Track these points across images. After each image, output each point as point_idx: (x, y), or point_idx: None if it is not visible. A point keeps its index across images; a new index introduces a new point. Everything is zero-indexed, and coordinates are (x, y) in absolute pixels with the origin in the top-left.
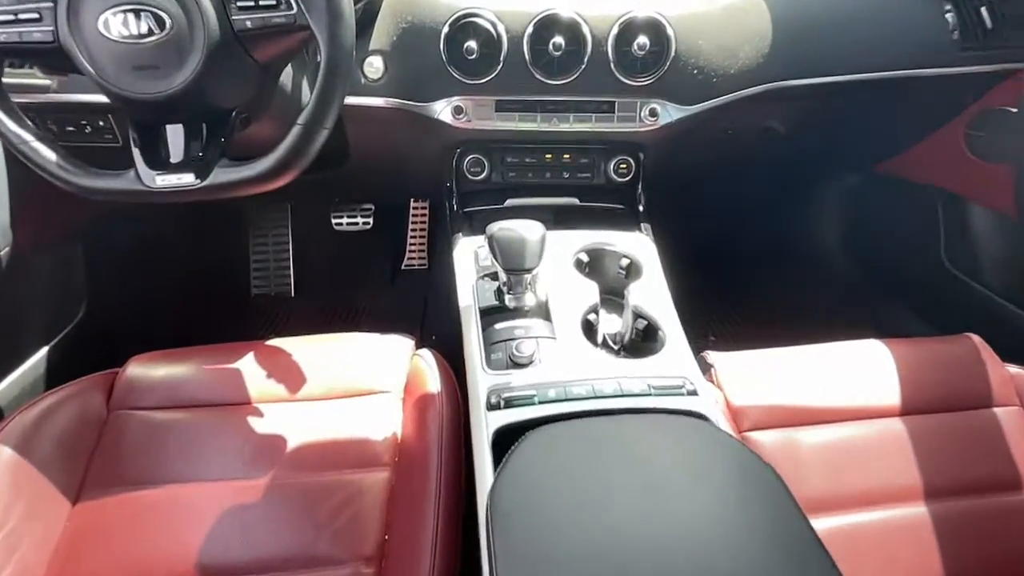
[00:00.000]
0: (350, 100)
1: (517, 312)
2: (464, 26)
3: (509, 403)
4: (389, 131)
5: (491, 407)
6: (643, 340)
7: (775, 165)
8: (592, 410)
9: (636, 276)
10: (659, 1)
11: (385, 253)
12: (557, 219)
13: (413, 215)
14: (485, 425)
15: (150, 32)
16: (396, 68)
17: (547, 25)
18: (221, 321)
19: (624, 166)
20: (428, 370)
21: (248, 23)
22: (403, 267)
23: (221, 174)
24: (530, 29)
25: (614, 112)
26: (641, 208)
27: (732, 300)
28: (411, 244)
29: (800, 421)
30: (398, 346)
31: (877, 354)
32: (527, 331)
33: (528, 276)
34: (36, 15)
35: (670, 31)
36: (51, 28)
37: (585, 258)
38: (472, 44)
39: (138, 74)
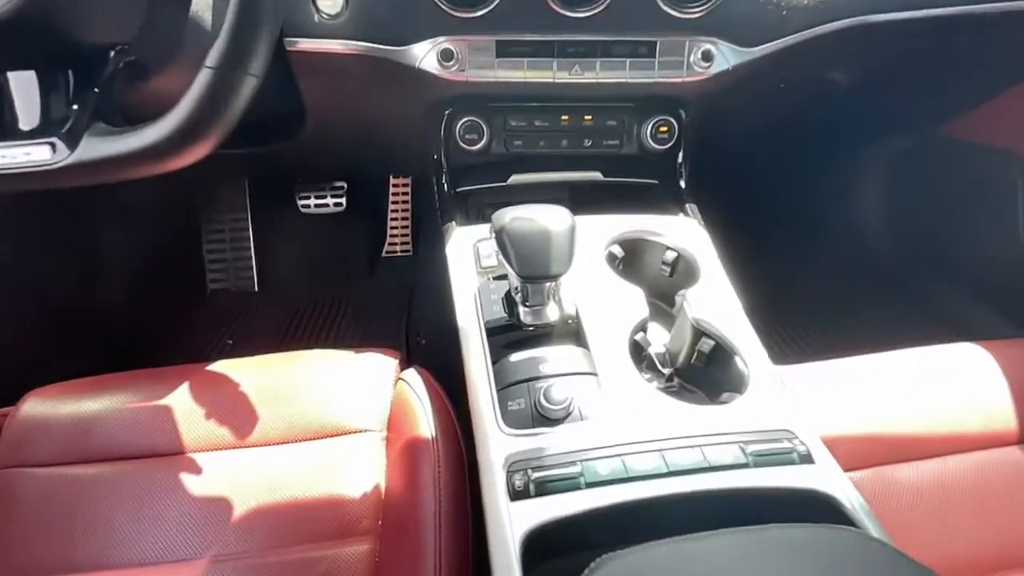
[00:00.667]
0: (302, 45)
1: (537, 332)
2: None
3: (543, 488)
4: (356, 87)
5: (515, 494)
6: (707, 365)
7: (823, 128)
8: (669, 497)
9: (690, 277)
10: None
11: (362, 239)
12: (576, 200)
13: (393, 193)
14: (508, 523)
15: None
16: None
17: None
18: (169, 327)
19: (664, 129)
20: (417, 400)
21: None
22: (384, 254)
23: (94, 146)
24: None
25: (655, 56)
26: (683, 184)
27: (773, 295)
28: (392, 227)
29: (897, 456)
30: (378, 367)
31: (976, 362)
32: (556, 364)
33: (551, 283)
34: None
35: None
36: None
37: (619, 252)
38: None
39: None
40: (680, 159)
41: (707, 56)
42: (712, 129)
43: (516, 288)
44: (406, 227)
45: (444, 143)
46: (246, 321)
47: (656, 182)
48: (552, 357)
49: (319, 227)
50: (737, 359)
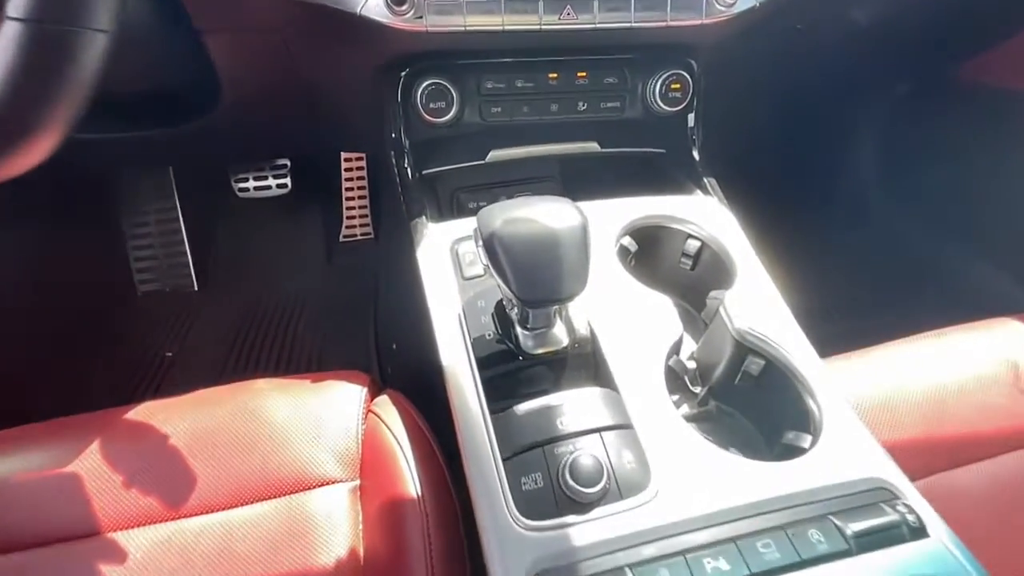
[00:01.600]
0: None
1: (542, 366)
2: None
3: None
4: (282, 46)
5: None
6: (756, 386)
7: (835, 78)
8: None
9: (719, 272)
10: None
11: (314, 223)
12: (568, 178)
13: (347, 169)
14: None
15: None
16: None
17: None
18: (93, 340)
19: (677, 86)
20: (393, 438)
21: None
22: (342, 239)
23: None
24: None
25: None
26: (696, 154)
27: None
28: (349, 208)
29: (953, 460)
30: (343, 399)
31: (1017, 338)
32: (578, 416)
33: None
34: None
35: None
36: None
37: (632, 245)
38: None
39: None
40: (692, 122)
41: None
42: (722, 83)
43: (510, 301)
44: (364, 206)
45: (403, 116)
46: (186, 327)
47: (663, 151)
48: (571, 406)
49: (263, 213)
50: (802, 390)
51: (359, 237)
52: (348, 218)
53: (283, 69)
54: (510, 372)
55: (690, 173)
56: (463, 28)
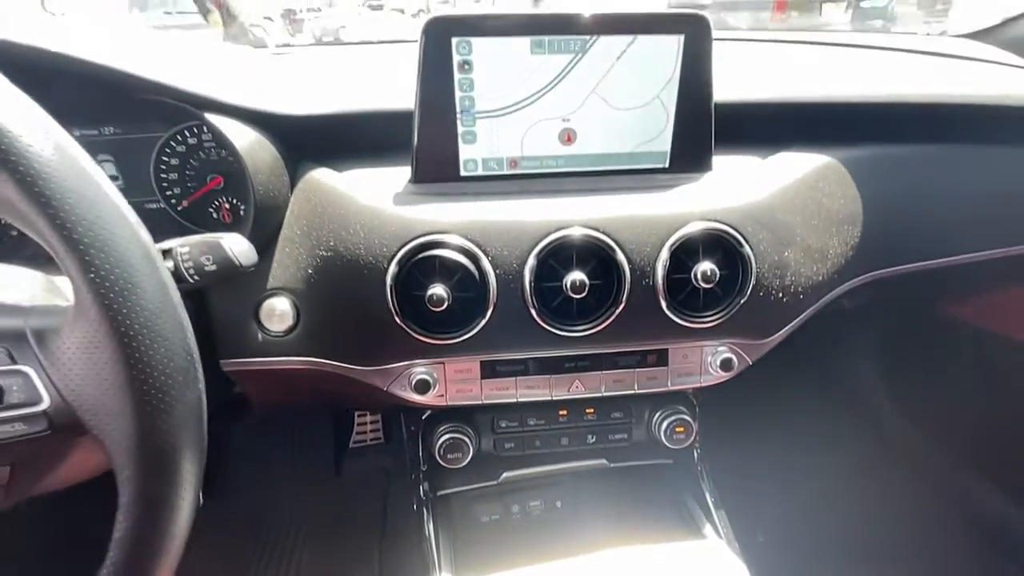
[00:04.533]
0: (241, 366)
1: None
2: (423, 263)
3: None
4: (308, 387)
5: None
6: None
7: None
8: None
9: None
10: (702, 196)
11: (322, 428)
12: (576, 492)
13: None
14: None
15: None
16: (316, 315)
17: (559, 253)
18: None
19: (681, 429)
20: None
21: None
22: (352, 444)
23: None
24: (531, 262)
25: (667, 364)
26: (708, 497)
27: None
28: (359, 413)
29: None
30: None
31: None
32: None
33: None
34: None
35: (747, 249)
36: None
37: None
38: (439, 290)
39: None
40: (696, 457)
41: (727, 365)
42: (722, 407)
43: None
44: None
45: (420, 459)
46: (189, 538)
47: (670, 461)
48: None
49: (272, 422)
50: None
51: (369, 442)
52: (359, 421)
53: (310, 391)
54: None
55: (694, 491)
56: (479, 401)
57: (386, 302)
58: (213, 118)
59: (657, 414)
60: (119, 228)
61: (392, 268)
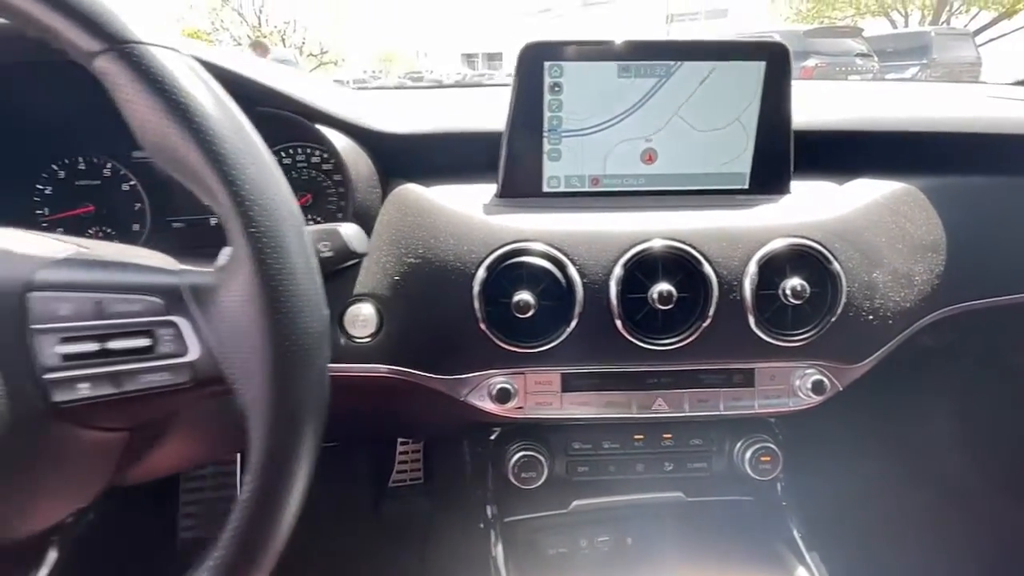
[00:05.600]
0: None
1: None
2: (510, 270)
3: None
4: (376, 403)
5: None
6: None
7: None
8: None
9: None
10: (786, 214)
11: (360, 466)
12: (646, 529)
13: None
14: None
15: None
16: (398, 322)
17: (645, 264)
18: None
19: (767, 459)
20: None
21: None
22: (391, 484)
23: None
24: (618, 271)
25: (754, 385)
26: (797, 536)
27: None
28: (400, 451)
29: None
30: None
31: None
32: None
33: None
34: None
35: (836, 266)
36: None
37: None
38: (526, 296)
39: None
40: (780, 488)
41: (819, 388)
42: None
43: None
44: (417, 449)
45: (492, 479)
46: None
47: (751, 498)
48: None
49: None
50: None
51: (408, 482)
52: (399, 460)
53: (382, 404)
54: None
55: (780, 529)
56: (558, 416)
57: (472, 309)
58: (325, 130)
59: (740, 443)
60: (277, 194)
61: (480, 273)
